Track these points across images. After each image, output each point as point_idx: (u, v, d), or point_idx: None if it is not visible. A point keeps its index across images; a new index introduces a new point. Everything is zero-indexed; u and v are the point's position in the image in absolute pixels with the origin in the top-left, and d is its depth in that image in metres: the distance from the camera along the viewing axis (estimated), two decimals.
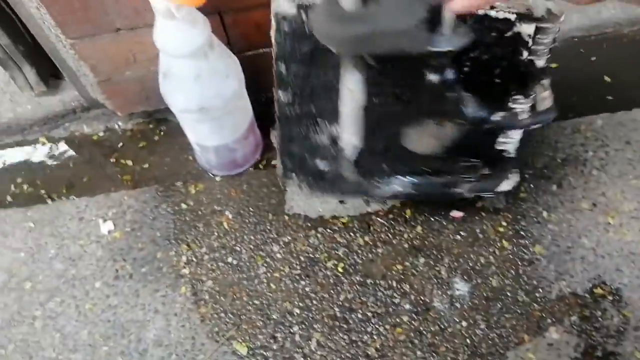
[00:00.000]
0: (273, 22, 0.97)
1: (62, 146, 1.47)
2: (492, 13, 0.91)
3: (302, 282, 1.16)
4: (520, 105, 0.94)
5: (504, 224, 1.19)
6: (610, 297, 1.09)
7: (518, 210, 1.20)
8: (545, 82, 0.95)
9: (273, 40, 0.99)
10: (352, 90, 0.88)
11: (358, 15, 0.73)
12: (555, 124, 1.32)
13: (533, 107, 0.94)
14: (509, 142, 1.06)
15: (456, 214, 1.21)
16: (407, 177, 1.08)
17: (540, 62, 0.96)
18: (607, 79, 1.38)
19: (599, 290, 1.10)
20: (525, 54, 0.95)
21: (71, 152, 1.45)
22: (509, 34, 0.93)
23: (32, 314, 1.18)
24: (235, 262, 1.20)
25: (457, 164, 1.07)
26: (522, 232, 1.18)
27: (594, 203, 1.20)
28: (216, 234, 1.24)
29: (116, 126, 1.51)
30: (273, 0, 0.95)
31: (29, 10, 1.17)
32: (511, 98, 0.95)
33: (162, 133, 1.48)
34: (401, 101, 0.99)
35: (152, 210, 1.29)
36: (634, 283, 1.10)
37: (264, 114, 1.31)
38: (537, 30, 0.92)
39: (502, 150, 1.07)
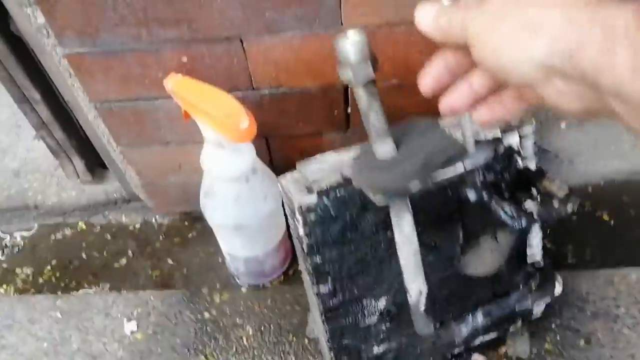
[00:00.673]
0: (298, 218, 0.94)
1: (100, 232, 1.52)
2: (482, 135, 0.96)
3: None
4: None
5: None
6: None
7: None
8: (548, 177, 0.96)
9: (302, 235, 0.95)
10: (406, 235, 0.87)
11: (399, 158, 0.74)
12: (588, 273, 1.31)
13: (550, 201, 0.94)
14: (534, 252, 1.09)
15: (478, 358, 1.19)
16: (478, 311, 1.08)
17: (532, 165, 1.01)
18: None
19: None
20: (520, 161, 1.00)
21: (107, 242, 1.50)
22: (501, 149, 0.97)
23: None
24: None
25: (515, 278, 1.08)
26: None
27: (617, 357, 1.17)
28: (235, 348, 1.25)
29: (153, 220, 1.55)
30: (290, 200, 0.94)
31: (86, 115, 1.24)
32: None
33: (196, 232, 1.52)
34: (450, 229, 1.01)
35: (176, 315, 1.31)
36: None
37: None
38: (520, 138, 0.99)
39: (534, 263, 1.10)
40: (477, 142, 0.91)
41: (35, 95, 1.30)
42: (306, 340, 1.25)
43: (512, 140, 1.00)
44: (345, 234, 0.96)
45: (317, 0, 0.95)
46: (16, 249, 1.54)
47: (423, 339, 1.07)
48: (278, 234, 1.32)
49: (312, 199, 0.92)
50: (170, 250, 1.49)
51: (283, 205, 1.02)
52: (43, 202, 1.54)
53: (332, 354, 1.09)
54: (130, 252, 1.49)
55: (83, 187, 1.55)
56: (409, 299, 0.89)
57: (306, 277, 1.05)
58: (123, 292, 1.37)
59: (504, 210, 0.90)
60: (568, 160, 1.48)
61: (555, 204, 0.93)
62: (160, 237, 1.52)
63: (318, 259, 0.97)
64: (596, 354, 1.19)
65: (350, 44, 0.59)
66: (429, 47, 0.50)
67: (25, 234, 1.57)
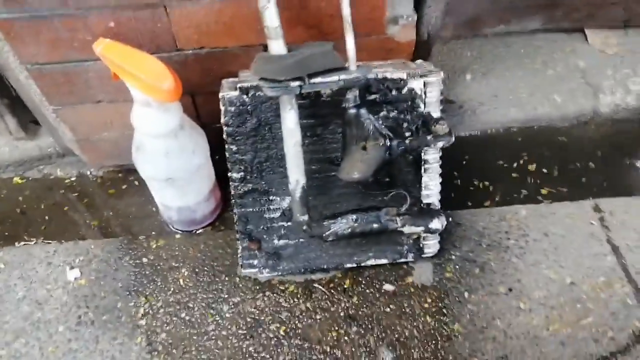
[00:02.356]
0: (221, 106, 1.17)
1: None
2: (388, 74, 1.16)
3: (247, 342, 1.30)
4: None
5: (430, 300, 1.35)
6: None
7: (443, 289, 1.36)
8: (442, 122, 1.17)
9: (223, 123, 1.19)
10: (291, 128, 1.08)
11: (286, 56, 1.01)
12: (485, 210, 1.49)
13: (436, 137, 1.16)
14: (431, 194, 1.30)
15: (389, 287, 1.36)
16: (349, 215, 1.23)
17: (435, 114, 1.22)
18: (540, 169, 1.56)
19: None
20: (422, 106, 1.21)
21: (44, 195, 1.57)
22: (405, 90, 1.18)
23: None
24: (187, 317, 1.33)
25: (386, 196, 1.27)
26: (444, 310, 1.33)
27: (510, 288, 1.36)
28: (172, 289, 1.37)
29: (88, 173, 1.62)
30: (222, 86, 1.17)
31: (17, 76, 1.28)
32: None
33: (129, 184, 1.60)
34: (327, 134, 1.23)
35: (116, 261, 1.41)
36: None
37: (226, 176, 1.45)
38: (425, 85, 1.19)
39: (429, 204, 1.30)
40: (359, 66, 1.07)
41: None
42: (237, 279, 1.38)
43: (416, 85, 1.17)
44: (259, 130, 1.20)
45: None
46: None
47: (300, 228, 1.21)
48: (208, 185, 1.42)
49: (234, 93, 1.16)
50: (106, 201, 1.57)
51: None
52: None
53: (237, 236, 1.31)
54: (67, 204, 1.56)
55: (16, 143, 1.59)
56: (288, 185, 1.08)
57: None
58: (64, 243, 1.46)
59: (375, 127, 1.09)
60: (471, 110, 1.63)
61: (431, 137, 1.11)
62: (96, 188, 1.59)
63: (234, 147, 1.22)
64: (489, 279, 1.38)
65: None
66: None
67: None
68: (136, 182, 1.60)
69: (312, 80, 1.01)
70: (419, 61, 1.26)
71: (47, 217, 1.53)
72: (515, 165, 1.60)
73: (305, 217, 1.15)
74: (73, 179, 1.62)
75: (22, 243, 1.47)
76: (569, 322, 1.31)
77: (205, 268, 1.40)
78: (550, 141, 1.64)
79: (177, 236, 1.47)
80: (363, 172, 1.11)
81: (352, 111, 1.08)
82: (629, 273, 1.38)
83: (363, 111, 1.08)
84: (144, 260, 1.42)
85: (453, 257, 1.41)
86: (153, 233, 1.48)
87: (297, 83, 1.01)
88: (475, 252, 1.42)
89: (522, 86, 1.69)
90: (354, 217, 1.18)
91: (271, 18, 0.98)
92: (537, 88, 1.69)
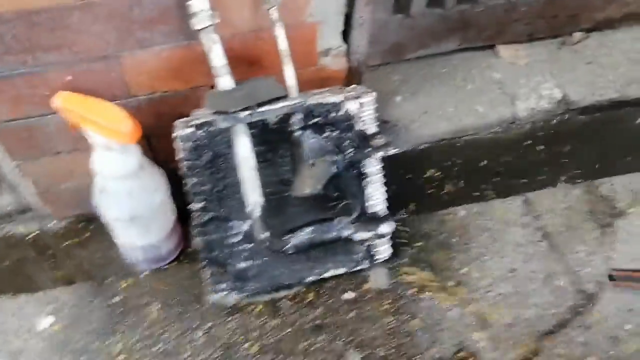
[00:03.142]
0: (178, 143, 1.26)
1: None
2: (326, 99, 1.29)
3: None
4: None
5: (388, 302, 1.46)
6: (470, 359, 1.38)
7: (398, 290, 1.48)
8: (380, 136, 1.34)
9: (180, 159, 1.28)
10: (245, 155, 1.20)
11: (234, 90, 1.15)
12: (428, 215, 1.63)
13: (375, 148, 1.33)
14: (376, 202, 1.42)
15: (349, 295, 1.47)
16: (305, 228, 1.33)
17: (372, 130, 1.35)
18: (472, 172, 1.72)
19: (461, 354, 1.38)
20: (359, 124, 1.34)
21: (8, 252, 1.61)
22: (342, 111, 1.31)
23: None
24: (163, 348, 1.40)
25: (336, 208, 1.37)
26: (401, 309, 1.45)
27: (459, 281, 1.49)
28: (145, 323, 1.43)
29: (50, 225, 1.68)
30: (174, 129, 1.26)
31: None
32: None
33: (91, 232, 1.66)
34: (278, 158, 1.34)
35: (88, 304, 1.47)
36: (487, 346, 1.39)
37: (184, 212, 1.54)
38: (360, 105, 1.32)
39: (375, 212, 1.41)
40: (300, 92, 1.22)
41: None
42: (207, 306, 1.46)
43: (352, 106, 1.30)
44: (214, 162, 1.30)
45: (178, 17, 1.16)
46: None
47: (262, 245, 1.31)
48: (170, 221, 1.51)
49: (189, 130, 1.26)
50: (69, 251, 1.63)
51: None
52: None
53: (203, 263, 1.38)
54: (32, 259, 1.61)
55: None
56: (246, 208, 1.18)
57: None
58: (34, 294, 1.50)
59: (320, 145, 1.25)
60: (405, 128, 1.78)
61: (370, 149, 1.25)
62: (60, 240, 1.65)
63: (194, 179, 1.31)
64: (439, 276, 1.51)
65: None
66: None
67: None
68: (98, 230, 1.66)
69: (260, 109, 1.14)
70: (352, 86, 1.40)
71: (13, 274, 1.57)
72: (449, 171, 1.75)
73: (267, 234, 1.25)
74: (35, 233, 1.66)
75: None
76: (515, 304, 1.45)
77: (176, 299, 1.47)
78: (478, 146, 1.81)
79: (145, 274, 1.54)
80: (313, 187, 1.23)
81: (298, 133, 1.21)
82: (561, 253, 1.54)
83: (308, 132, 1.21)
84: (115, 299, 1.48)
85: (404, 259, 1.54)
86: (121, 274, 1.54)
87: (246, 112, 1.13)
88: (424, 252, 1.55)
89: (448, 101, 1.86)
90: (311, 228, 1.30)
91: (218, 58, 1.11)
92: (461, 102, 1.86)
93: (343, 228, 1.31)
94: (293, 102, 1.16)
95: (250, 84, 1.14)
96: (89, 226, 1.67)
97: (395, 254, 1.52)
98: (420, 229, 1.60)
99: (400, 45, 1.88)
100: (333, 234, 1.31)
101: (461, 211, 1.64)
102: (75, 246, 1.63)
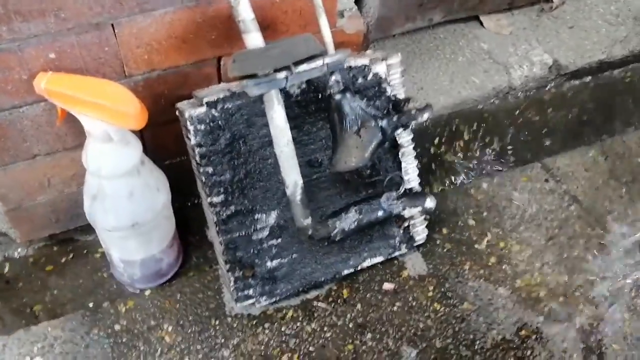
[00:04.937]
0: (189, 128, 1.07)
1: None
2: (352, 62, 1.15)
3: None
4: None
5: (431, 288, 1.31)
6: (534, 336, 1.25)
7: (440, 274, 1.33)
8: (412, 101, 1.21)
9: (193, 145, 1.08)
10: (281, 127, 1.01)
11: (266, 49, 0.97)
12: (449, 190, 1.50)
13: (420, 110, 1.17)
14: (411, 178, 1.28)
15: (388, 286, 1.31)
16: (351, 208, 1.16)
17: (401, 95, 1.21)
18: (484, 144, 1.62)
19: (523, 332, 1.25)
20: (388, 89, 1.19)
21: None
22: (370, 76, 1.17)
23: None
24: None
25: (373, 186, 1.22)
26: (448, 294, 1.30)
27: (500, 256, 1.37)
28: (160, 349, 1.20)
29: (16, 254, 1.40)
30: (183, 116, 1.07)
31: None
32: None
33: (68, 254, 1.41)
34: (304, 136, 1.17)
35: (83, 337, 1.22)
36: (547, 320, 1.27)
37: (181, 218, 1.33)
38: (388, 68, 1.18)
39: (411, 188, 1.27)
40: (337, 48, 1.06)
41: None
42: (229, 319, 1.25)
43: (380, 69, 1.15)
44: (233, 146, 1.10)
45: None
46: None
47: (304, 233, 1.13)
48: (172, 227, 1.29)
49: (202, 109, 1.06)
50: (45, 280, 1.36)
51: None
52: None
53: (227, 267, 1.18)
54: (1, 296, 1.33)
55: None
56: (286, 190, 1.01)
57: (203, 196, 1.15)
58: (9, 335, 1.23)
59: (363, 109, 1.07)
60: None
61: (413, 111, 1.10)
62: (31, 269, 1.38)
63: (210, 169, 1.10)
64: (477, 254, 1.38)
65: None
66: None
67: None
68: (76, 251, 1.41)
69: (297, 70, 0.96)
70: (369, 51, 1.26)
71: None
72: (460, 144, 1.64)
73: (309, 221, 1.07)
74: (1, 262, 1.39)
75: None
76: (563, 272, 1.34)
77: (190, 317, 1.25)
78: (481, 118, 1.71)
79: (147, 293, 1.30)
80: (361, 158, 1.06)
81: (339, 97, 1.04)
82: (596, 214, 1.45)
83: (349, 95, 1.05)
84: (117, 327, 1.23)
85: (438, 241, 1.39)
86: (118, 298, 1.30)
87: (282, 74, 0.94)
88: (457, 230, 1.42)
89: (442, 75, 1.76)
90: (357, 208, 1.12)
91: (246, 10, 0.92)
92: (455, 74, 1.76)
93: (392, 205, 1.15)
94: (334, 59, 0.99)
95: (283, 43, 0.97)
96: (65, 248, 1.41)
97: (427, 236, 1.37)
98: (446, 206, 1.46)
99: (387, 20, 1.77)
100: (381, 213, 1.14)
101: (483, 184, 1.52)
102: (52, 274, 1.37)
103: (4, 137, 1.07)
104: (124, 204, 1.12)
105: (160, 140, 1.25)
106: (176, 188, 1.25)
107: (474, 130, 1.68)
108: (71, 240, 1.42)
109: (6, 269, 1.37)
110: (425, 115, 1.13)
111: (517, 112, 1.74)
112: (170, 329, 1.23)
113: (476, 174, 1.57)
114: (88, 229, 1.25)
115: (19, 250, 1.41)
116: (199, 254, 1.40)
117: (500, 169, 1.58)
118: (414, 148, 1.27)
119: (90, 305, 1.29)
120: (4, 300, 1.32)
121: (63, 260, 1.40)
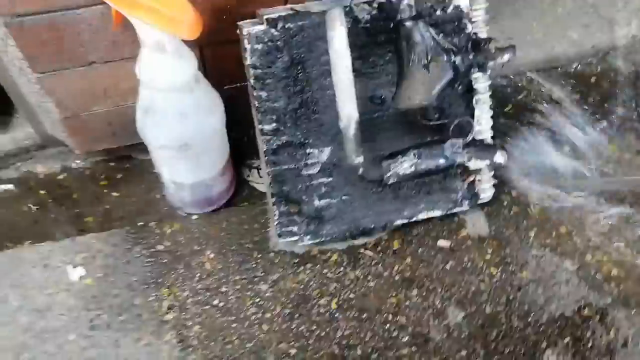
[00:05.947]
0: (246, 47, 1.01)
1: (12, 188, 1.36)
2: None
3: (296, 321, 1.12)
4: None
5: (490, 251, 1.21)
6: (597, 317, 1.13)
7: (502, 237, 1.23)
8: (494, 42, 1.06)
9: (247, 65, 1.03)
10: (341, 53, 0.93)
11: None
12: None
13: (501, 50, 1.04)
14: (483, 129, 1.16)
15: (443, 243, 1.22)
16: (410, 151, 1.06)
17: (482, 34, 1.10)
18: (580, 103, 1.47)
19: (586, 312, 1.13)
20: (469, 26, 1.08)
21: (25, 195, 1.35)
22: (450, 9, 1.06)
23: None
24: (222, 304, 1.14)
25: (448, 131, 1.08)
26: (508, 259, 1.20)
27: (571, 227, 1.24)
28: (199, 275, 1.18)
29: (74, 165, 1.41)
30: (242, 33, 1.01)
31: None
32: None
33: (125, 171, 1.40)
34: (369, 68, 1.08)
35: (125, 253, 1.21)
36: (616, 302, 1.14)
37: (236, 150, 1.29)
38: (471, 2, 1.07)
39: (483, 140, 1.16)
40: None
41: None
42: (272, 254, 1.20)
43: (462, 2, 1.04)
44: (290, 71, 1.03)
45: None
46: None
47: (354, 172, 1.05)
48: (224, 156, 1.25)
49: (261, 27, 0.99)
50: (100, 194, 1.37)
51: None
52: None
53: (272, 200, 1.12)
54: (54, 203, 1.35)
55: None
56: (339, 123, 0.91)
57: (256, 123, 1.09)
58: (59, 241, 1.24)
59: (436, 40, 0.96)
60: None
61: (492, 50, 0.98)
62: (86, 182, 1.39)
63: (264, 94, 1.04)
64: (547, 220, 1.25)
65: None
66: None
67: None
68: (132, 169, 1.40)
69: None
70: None
71: (32, 220, 1.32)
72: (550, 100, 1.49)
73: (361, 159, 0.99)
74: (57, 173, 1.40)
75: (9, 251, 1.24)
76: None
77: (233, 247, 1.22)
78: (577, 76, 1.55)
79: (194, 217, 1.28)
80: (426, 96, 0.96)
81: (409, 23, 0.94)
82: None
83: (421, 23, 0.94)
84: (159, 247, 1.22)
85: (505, 202, 1.28)
86: (165, 219, 1.28)
87: None
88: (527, 193, 1.30)
89: (535, 26, 1.60)
90: (416, 152, 1.03)
91: None
92: (551, 27, 1.60)
93: (455, 153, 1.04)
94: None
95: None
96: (122, 165, 1.41)
97: (494, 199, 1.26)
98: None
99: None
100: (442, 160, 1.04)
101: None
102: (106, 188, 1.38)
103: (60, 39, 1.04)
104: (175, 122, 1.08)
105: (220, 62, 1.20)
106: (235, 117, 1.20)
107: (572, 88, 1.52)
108: (129, 158, 1.42)
109: (64, 180, 1.39)
110: (506, 57, 1.01)
111: (619, 72, 1.57)
112: (212, 256, 1.21)
113: None
114: (146, 147, 1.23)
115: (77, 162, 1.42)
116: (251, 187, 1.36)
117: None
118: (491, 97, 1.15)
119: (138, 223, 1.27)
120: (58, 209, 1.34)
121: (119, 176, 1.40)
